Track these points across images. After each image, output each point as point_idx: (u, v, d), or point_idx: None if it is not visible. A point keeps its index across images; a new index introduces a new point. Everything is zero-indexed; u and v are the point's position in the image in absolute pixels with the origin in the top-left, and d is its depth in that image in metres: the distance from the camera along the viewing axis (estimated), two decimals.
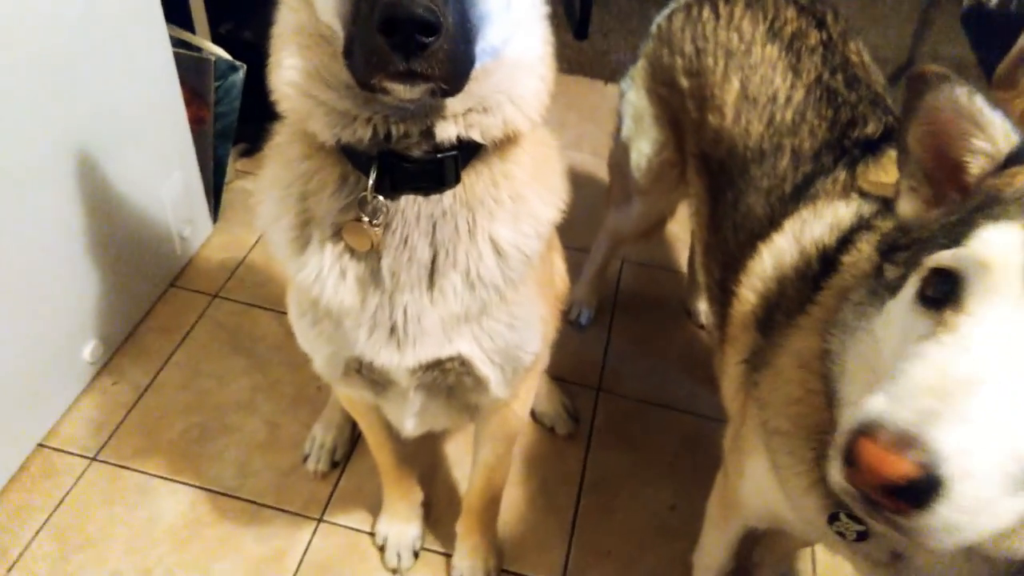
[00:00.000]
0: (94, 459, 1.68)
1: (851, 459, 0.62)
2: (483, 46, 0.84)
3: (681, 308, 2.18)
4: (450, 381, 1.10)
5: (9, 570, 1.49)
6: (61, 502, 1.60)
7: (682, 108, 1.42)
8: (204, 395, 1.83)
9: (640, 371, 2.00)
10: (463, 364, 1.06)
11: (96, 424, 1.75)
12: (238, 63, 2.06)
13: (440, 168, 0.90)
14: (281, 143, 1.02)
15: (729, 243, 1.23)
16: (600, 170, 2.57)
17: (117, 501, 1.61)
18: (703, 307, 2.10)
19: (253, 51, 2.34)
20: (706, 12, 1.41)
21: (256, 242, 2.22)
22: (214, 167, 2.20)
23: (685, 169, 1.52)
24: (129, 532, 1.57)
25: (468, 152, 0.91)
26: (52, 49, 1.49)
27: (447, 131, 0.87)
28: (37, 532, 1.54)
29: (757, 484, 1.10)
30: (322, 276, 0.97)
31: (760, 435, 1.04)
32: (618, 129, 1.71)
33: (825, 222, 1.03)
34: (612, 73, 3.10)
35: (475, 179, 0.94)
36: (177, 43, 2.04)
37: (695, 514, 1.51)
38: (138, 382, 1.84)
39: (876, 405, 0.63)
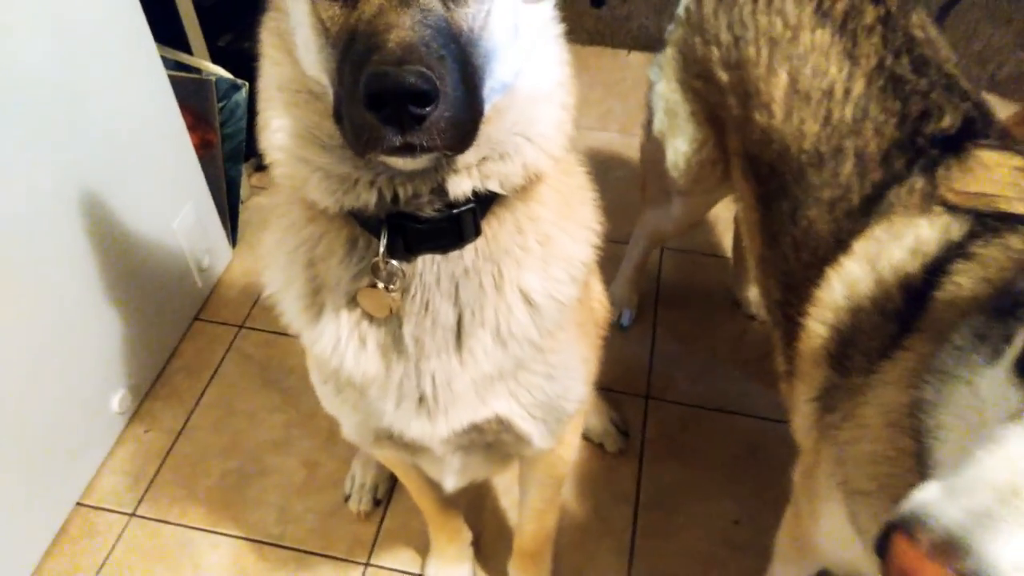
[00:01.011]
0: (133, 515, 1.63)
1: (883, 554, 0.53)
2: (492, 84, 0.72)
3: (728, 297, 2.05)
4: (488, 440, 1.01)
5: None
6: (103, 564, 1.56)
7: (722, 104, 1.27)
8: (238, 436, 1.77)
9: (690, 372, 1.88)
10: (501, 423, 0.97)
11: (132, 477, 1.70)
12: (239, 81, 1.95)
13: (457, 224, 0.79)
14: (280, 204, 0.91)
15: (789, 261, 1.09)
16: (629, 149, 2.43)
17: (160, 559, 1.57)
18: (752, 295, 1.96)
19: (256, 62, 2.23)
20: None
21: None
22: (227, 189, 2.11)
23: (729, 166, 1.38)
24: None
25: (487, 201, 0.80)
26: (39, 94, 1.41)
27: (461, 186, 0.77)
28: None
29: (834, 534, 0.99)
30: (340, 346, 0.88)
31: (839, 490, 0.92)
32: (649, 121, 1.56)
33: (905, 245, 0.89)
34: (634, 40, 2.91)
35: (497, 228, 0.83)
36: (175, 66, 1.94)
37: (761, 528, 1.41)
38: (171, 427, 1.78)
39: (926, 495, 0.54)
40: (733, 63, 1.23)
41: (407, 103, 0.60)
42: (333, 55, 0.69)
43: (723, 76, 1.25)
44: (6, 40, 1.32)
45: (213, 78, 1.94)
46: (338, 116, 0.69)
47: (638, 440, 1.75)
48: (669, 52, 1.41)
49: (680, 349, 1.94)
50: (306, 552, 1.57)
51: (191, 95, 1.94)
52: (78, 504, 1.64)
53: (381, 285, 0.81)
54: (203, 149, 2.01)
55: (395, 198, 0.76)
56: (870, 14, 1.13)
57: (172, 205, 1.86)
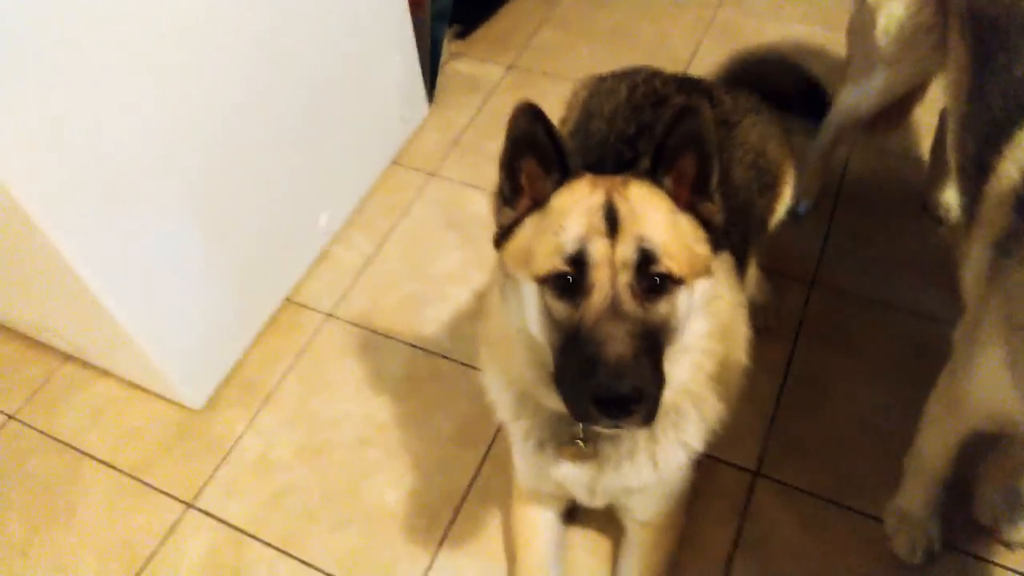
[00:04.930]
0: (329, 315, 1.89)
1: None
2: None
3: (917, 202, 1.96)
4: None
5: (266, 400, 1.75)
6: (303, 351, 1.83)
7: None
8: (421, 266, 1.97)
9: (860, 265, 1.85)
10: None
11: (330, 286, 1.95)
12: None
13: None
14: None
15: (994, 111, 1.06)
16: (831, 45, 2.33)
17: (348, 354, 1.82)
18: (946, 198, 1.87)
19: None
20: None
21: (469, 124, 2.30)
22: (431, 49, 2.26)
23: (942, 34, 1.32)
24: (358, 381, 1.77)
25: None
26: None
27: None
28: (285, 374, 1.79)
29: (989, 381, 1.00)
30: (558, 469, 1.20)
31: (1001, 329, 0.92)
32: None
33: None
34: None
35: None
36: None
37: (909, 416, 1.39)
38: (365, 251, 2.02)
39: None
40: None
41: (625, 404, 0.85)
42: (557, 337, 0.92)
43: None
44: None
45: None
46: (559, 380, 0.93)
47: (796, 319, 1.77)
48: None
49: (854, 243, 1.90)
50: (470, 366, 1.75)
51: None
52: (287, 300, 1.93)
53: (580, 443, 1.13)
54: (413, 7, 2.17)
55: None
56: None
57: (384, 53, 2.04)
